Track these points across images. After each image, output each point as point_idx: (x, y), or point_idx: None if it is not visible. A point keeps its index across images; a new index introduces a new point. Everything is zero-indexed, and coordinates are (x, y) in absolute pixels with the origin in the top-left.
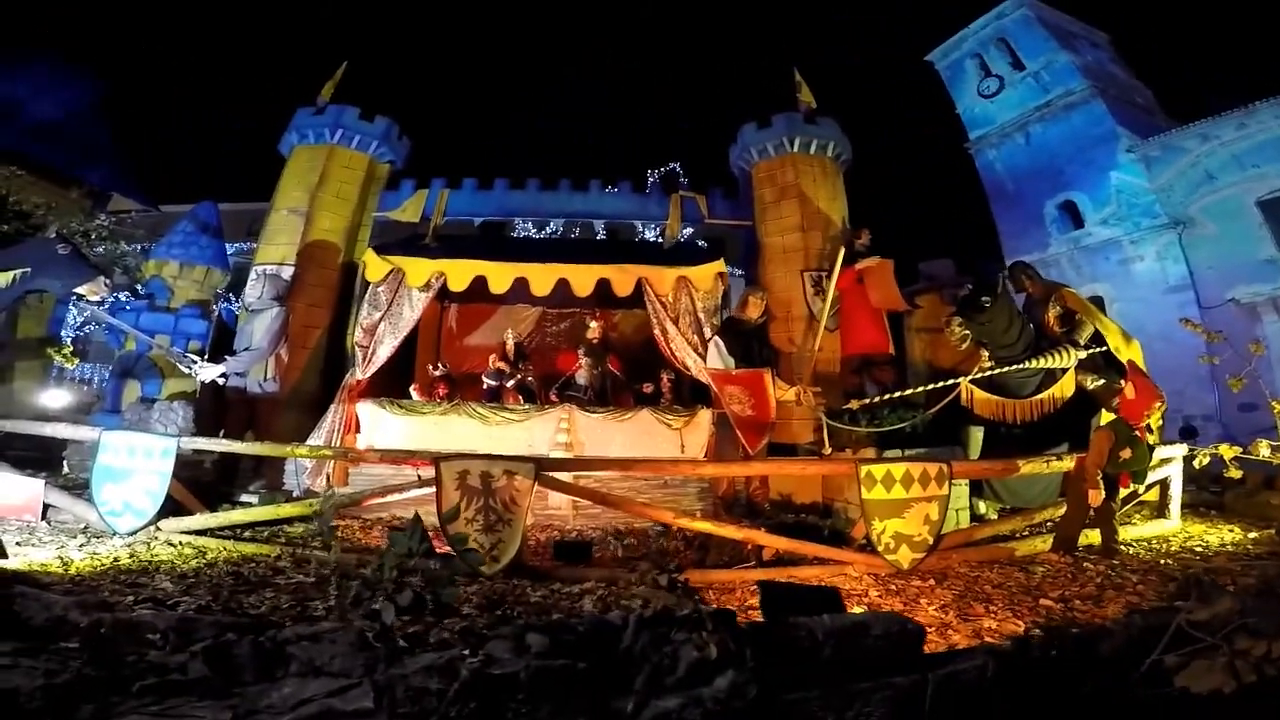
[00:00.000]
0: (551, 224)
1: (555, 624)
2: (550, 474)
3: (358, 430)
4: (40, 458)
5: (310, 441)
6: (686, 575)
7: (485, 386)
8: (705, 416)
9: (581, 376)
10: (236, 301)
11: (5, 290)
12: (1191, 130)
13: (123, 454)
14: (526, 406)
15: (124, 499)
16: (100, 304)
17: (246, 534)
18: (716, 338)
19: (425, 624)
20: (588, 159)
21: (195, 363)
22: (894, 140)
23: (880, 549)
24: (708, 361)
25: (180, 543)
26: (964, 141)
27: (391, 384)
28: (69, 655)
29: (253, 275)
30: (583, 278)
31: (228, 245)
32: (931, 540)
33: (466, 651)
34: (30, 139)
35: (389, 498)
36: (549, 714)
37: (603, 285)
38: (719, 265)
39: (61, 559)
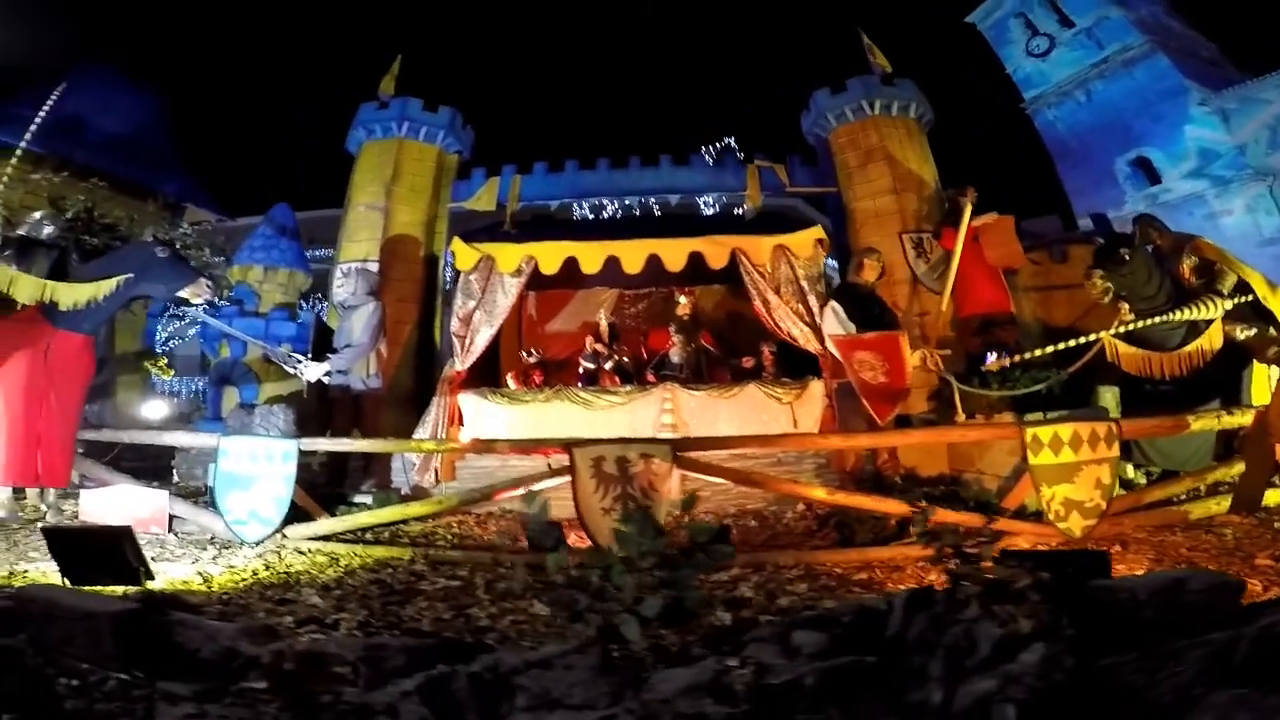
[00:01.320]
0: (609, 204)
1: (818, 618)
2: (687, 454)
3: (460, 422)
4: (149, 467)
5: (416, 435)
6: (827, 556)
7: (582, 370)
8: (817, 388)
9: (675, 354)
10: (318, 304)
11: (111, 297)
12: (1269, 81)
13: (244, 460)
14: (628, 388)
15: (249, 507)
16: (207, 307)
17: (368, 536)
18: (834, 303)
19: (657, 634)
20: (649, 134)
21: (300, 363)
22: (945, 101)
23: (1050, 516)
24: (825, 328)
25: (309, 550)
26: (1019, 102)
27: (479, 375)
28: (256, 698)
29: (338, 273)
30: (674, 252)
31: None
32: (1104, 505)
33: (734, 663)
34: (104, 154)
35: (521, 490)
36: (839, 718)
37: (684, 259)
38: (817, 231)
39: (201, 574)
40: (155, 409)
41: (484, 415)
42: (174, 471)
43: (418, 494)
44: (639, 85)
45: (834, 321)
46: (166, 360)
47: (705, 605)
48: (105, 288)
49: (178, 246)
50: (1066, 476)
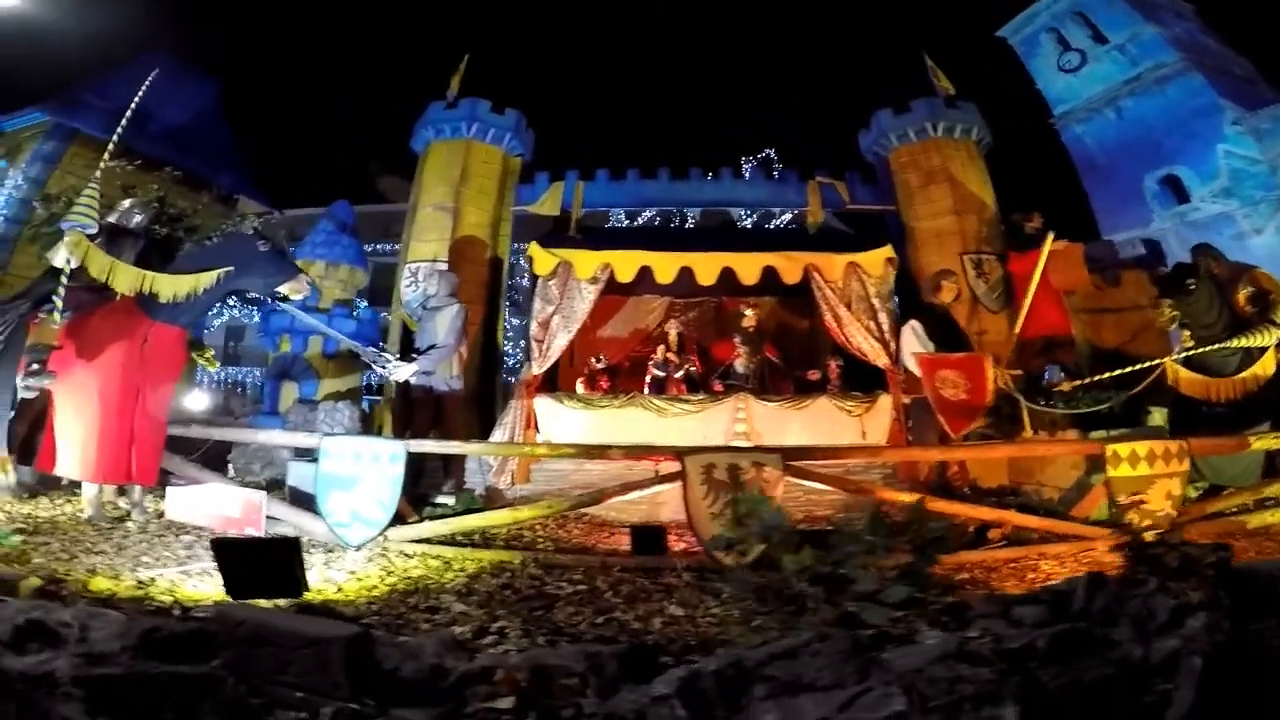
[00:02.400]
0: (646, 213)
1: (1027, 598)
2: (796, 463)
3: (535, 425)
4: (193, 460)
5: (494, 437)
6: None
7: (651, 377)
8: (886, 402)
9: (740, 365)
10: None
11: (211, 290)
12: None
13: (348, 460)
14: (700, 397)
15: (351, 509)
16: (303, 304)
17: (460, 538)
18: (914, 322)
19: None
20: (699, 146)
21: (390, 362)
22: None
23: (1127, 523)
24: (903, 346)
25: (414, 553)
26: (1048, 117)
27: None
28: (498, 718)
29: (406, 272)
30: (748, 266)
31: None
32: (1175, 514)
33: (974, 634)
34: (166, 143)
35: (630, 495)
36: (1070, 670)
37: (758, 273)
38: (887, 251)
39: (329, 582)
40: (197, 400)
41: (558, 419)
42: (229, 466)
43: (493, 495)
44: (686, 96)
45: (914, 340)
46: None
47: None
48: (206, 280)
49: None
50: (1142, 488)
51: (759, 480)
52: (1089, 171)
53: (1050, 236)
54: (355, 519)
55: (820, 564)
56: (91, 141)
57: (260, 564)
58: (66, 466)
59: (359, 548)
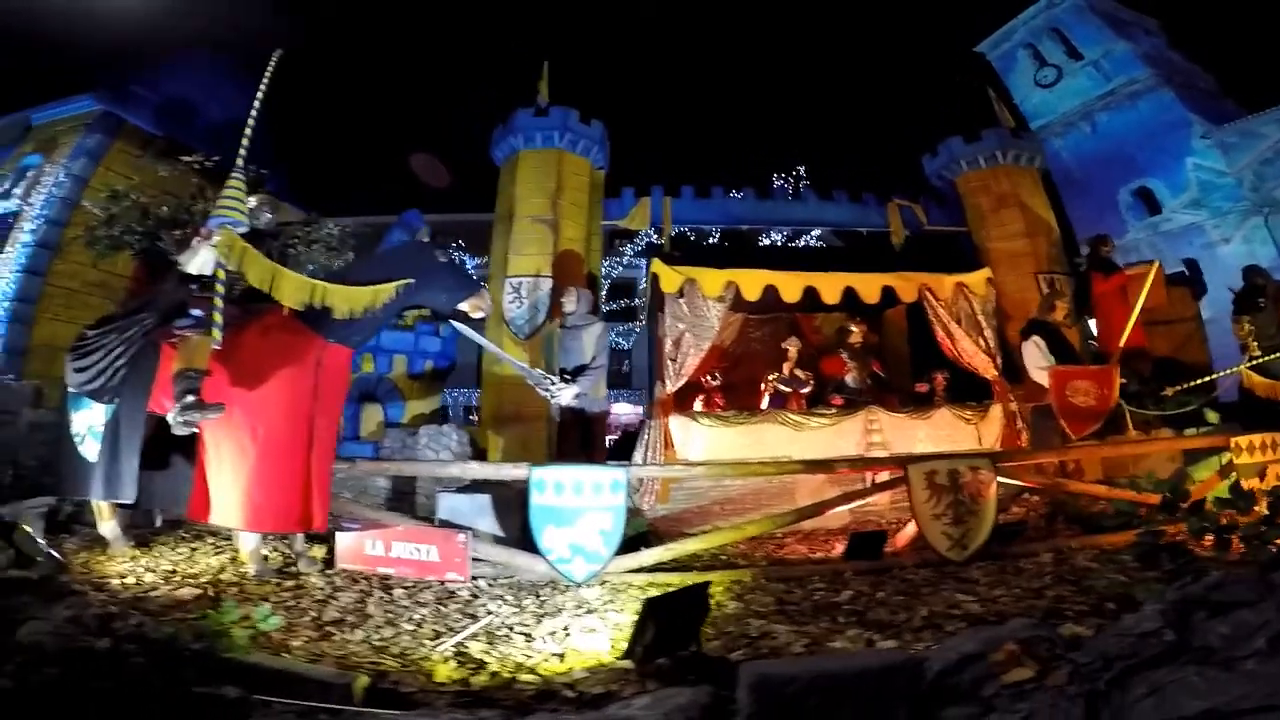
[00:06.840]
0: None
1: None
2: (1003, 465)
3: (671, 445)
4: None
5: (634, 458)
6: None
7: (774, 392)
8: (997, 410)
9: (851, 379)
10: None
11: (388, 306)
12: (1269, 115)
13: (568, 492)
14: (833, 411)
15: (570, 542)
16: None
17: (667, 563)
18: (1036, 338)
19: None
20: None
21: (553, 384)
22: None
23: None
24: (1028, 360)
25: (641, 583)
26: (1025, 131)
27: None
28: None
29: (507, 288)
30: (869, 286)
31: None
32: None
33: None
34: (207, 142)
35: (850, 504)
36: None
37: (878, 292)
38: (987, 272)
39: (612, 626)
40: None
41: (692, 437)
42: None
43: (633, 514)
44: (733, 112)
45: (1037, 354)
46: None
47: None
48: (384, 293)
49: (314, 248)
50: (1258, 472)
51: (975, 481)
52: (1065, 183)
53: (1157, 265)
54: (577, 553)
55: (1211, 522)
56: (137, 135)
57: (681, 616)
58: (225, 515)
59: (580, 584)
